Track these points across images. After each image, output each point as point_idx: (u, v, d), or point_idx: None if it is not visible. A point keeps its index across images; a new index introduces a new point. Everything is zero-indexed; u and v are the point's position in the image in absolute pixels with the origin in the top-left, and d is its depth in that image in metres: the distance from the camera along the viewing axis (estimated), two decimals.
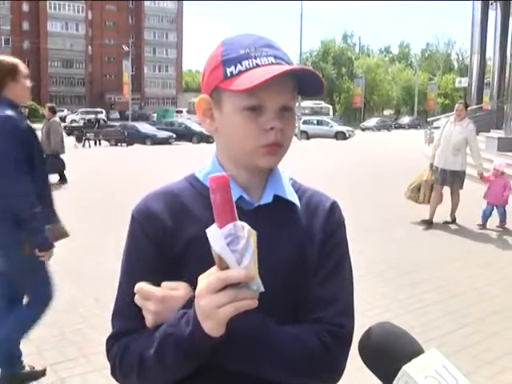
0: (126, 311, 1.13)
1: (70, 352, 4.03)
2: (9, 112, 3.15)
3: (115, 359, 1.13)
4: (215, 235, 0.90)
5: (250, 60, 1.08)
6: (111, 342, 1.15)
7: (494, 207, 8.47)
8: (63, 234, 3.65)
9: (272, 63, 1.08)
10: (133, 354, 1.09)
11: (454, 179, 8.50)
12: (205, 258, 1.02)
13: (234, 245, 0.89)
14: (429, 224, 8.53)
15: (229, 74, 1.08)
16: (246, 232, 0.90)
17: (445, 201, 8.81)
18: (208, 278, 0.93)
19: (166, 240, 1.14)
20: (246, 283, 0.91)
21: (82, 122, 38.03)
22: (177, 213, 1.15)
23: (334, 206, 1.25)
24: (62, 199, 11.12)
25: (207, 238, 1.10)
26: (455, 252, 7.21)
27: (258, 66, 1.07)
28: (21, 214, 3.12)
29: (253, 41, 1.11)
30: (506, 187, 8.40)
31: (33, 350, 4.04)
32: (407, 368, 0.85)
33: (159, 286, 1.06)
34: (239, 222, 0.91)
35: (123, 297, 1.15)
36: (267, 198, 1.15)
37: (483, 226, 8.45)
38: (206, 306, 0.93)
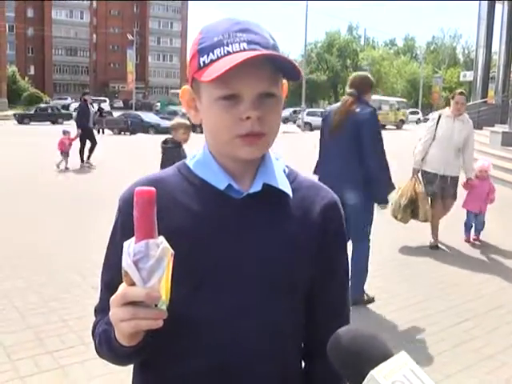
0: (101, 295, 1.19)
1: (70, 339, 4.04)
2: (370, 109, 4.74)
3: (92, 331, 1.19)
4: (126, 250, 0.89)
5: (221, 48, 1.02)
6: (95, 314, 1.21)
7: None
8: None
9: (244, 49, 1.01)
10: (94, 337, 1.16)
11: (453, 188, 6.95)
12: (187, 250, 1.02)
13: (142, 263, 0.87)
14: (436, 247, 7.02)
15: (202, 64, 1.04)
16: (158, 251, 0.88)
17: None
18: (119, 288, 0.93)
19: None
20: (151, 303, 0.89)
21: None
22: (162, 201, 1.07)
23: (334, 202, 1.20)
24: (74, 188, 11.10)
25: (192, 229, 1.08)
26: (455, 246, 7.19)
27: (228, 53, 1.01)
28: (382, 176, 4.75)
29: (229, 26, 1.05)
30: (490, 190, 7.32)
31: (32, 337, 4.06)
32: (374, 373, 0.82)
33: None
34: (154, 241, 0.89)
35: (101, 281, 1.21)
36: (256, 187, 1.11)
37: (469, 239, 7.38)
38: (111, 317, 0.95)
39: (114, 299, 0.93)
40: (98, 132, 29.73)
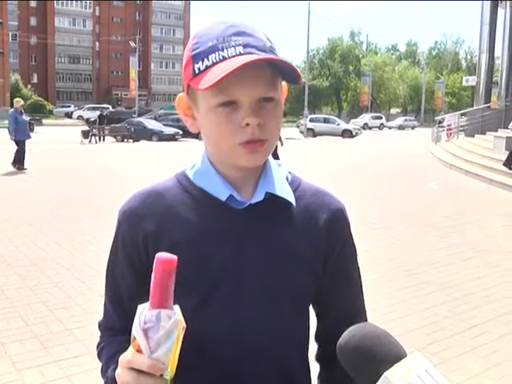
0: (106, 310, 1.19)
1: (75, 349, 4.01)
2: None
3: (97, 351, 1.18)
4: (138, 315, 0.87)
5: (216, 53, 0.98)
6: (99, 328, 1.20)
7: None
8: None
9: (240, 54, 0.98)
10: (101, 360, 1.14)
11: None
12: (188, 264, 1.00)
13: (152, 332, 0.86)
14: None
15: (197, 71, 1.00)
16: (169, 324, 0.86)
17: None
18: (128, 350, 0.91)
19: (146, 246, 1.09)
20: (156, 373, 0.88)
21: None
22: (161, 215, 1.09)
23: (340, 209, 1.17)
24: (75, 195, 11.12)
25: (193, 242, 1.06)
26: (461, 252, 7.16)
27: (224, 58, 0.97)
28: None
29: (223, 29, 1.01)
30: None
31: (38, 346, 4.04)
32: (388, 374, 0.79)
33: (139, 292, 1.01)
34: (166, 312, 0.87)
35: (105, 296, 1.19)
36: (258, 196, 1.08)
37: None
38: (117, 376, 0.93)
39: (121, 359, 0.91)
40: (99, 139, 29.67)
